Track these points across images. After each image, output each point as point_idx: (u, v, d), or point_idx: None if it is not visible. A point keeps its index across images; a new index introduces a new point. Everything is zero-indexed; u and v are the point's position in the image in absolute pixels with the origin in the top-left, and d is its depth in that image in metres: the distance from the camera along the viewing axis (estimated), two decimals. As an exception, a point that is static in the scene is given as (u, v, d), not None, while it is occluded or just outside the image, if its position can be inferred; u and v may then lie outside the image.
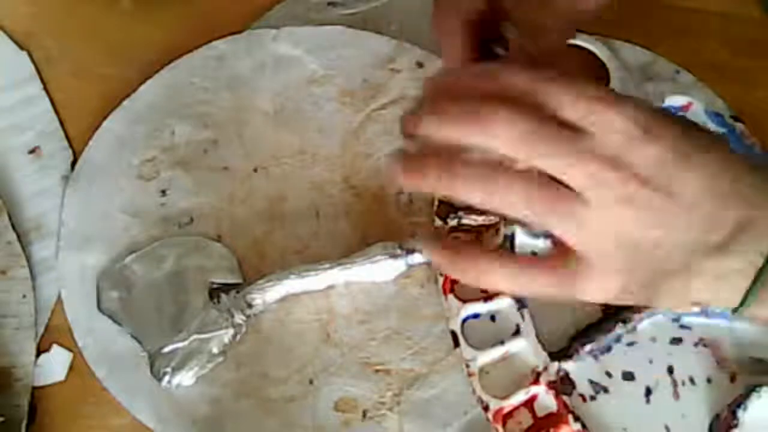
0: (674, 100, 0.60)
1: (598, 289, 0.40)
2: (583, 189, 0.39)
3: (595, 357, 0.53)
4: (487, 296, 0.54)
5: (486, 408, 0.51)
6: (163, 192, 0.60)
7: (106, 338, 0.55)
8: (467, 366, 0.53)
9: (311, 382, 0.54)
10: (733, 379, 0.53)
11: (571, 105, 0.38)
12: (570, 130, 0.39)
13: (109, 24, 0.67)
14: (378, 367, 0.54)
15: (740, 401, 0.51)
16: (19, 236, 0.58)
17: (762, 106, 0.62)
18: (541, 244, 0.56)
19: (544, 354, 0.52)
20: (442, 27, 0.50)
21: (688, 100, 0.60)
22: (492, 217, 0.56)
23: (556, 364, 0.52)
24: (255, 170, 0.61)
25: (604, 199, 0.39)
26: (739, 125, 0.61)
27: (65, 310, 0.57)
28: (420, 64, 0.64)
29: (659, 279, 0.40)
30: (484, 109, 0.39)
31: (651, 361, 0.53)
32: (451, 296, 0.54)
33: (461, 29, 0.49)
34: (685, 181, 0.39)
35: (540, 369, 0.52)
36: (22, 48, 0.65)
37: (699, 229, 0.39)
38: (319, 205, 0.60)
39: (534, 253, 0.56)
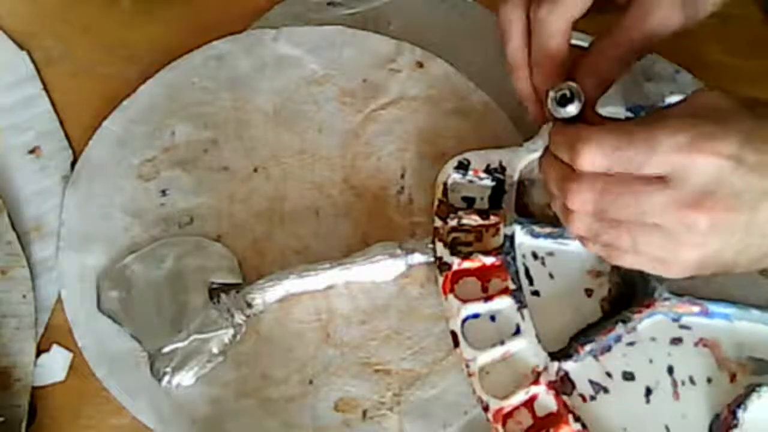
0: (674, 100, 0.60)
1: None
2: (674, 236, 0.45)
3: (595, 357, 0.53)
4: (487, 296, 0.54)
5: (486, 408, 0.51)
6: (163, 192, 0.60)
7: (106, 338, 0.55)
8: (467, 366, 0.53)
9: (311, 382, 0.54)
10: (733, 379, 0.53)
11: (649, 162, 0.44)
12: (654, 183, 0.44)
13: (109, 24, 0.67)
14: (378, 367, 0.54)
15: (740, 401, 0.51)
16: (19, 236, 0.58)
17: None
18: (542, 244, 0.56)
19: (544, 354, 0.52)
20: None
21: (688, 100, 0.60)
22: (492, 218, 0.56)
23: (556, 364, 0.52)
24: (255, 170, 0.61)
25: (694, 240, 0.45)
26: (739, 125, 0.61)
27: (65, 310, 0.57)
28: (420, 64, 0.64)
29: (756, 266, 0.47)
30: (566, 189, 0.47)
31: (651, 361, 0.53)
32: (451, 296, 0.54)
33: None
34: None
35: (540, 369, 0.52)
36: (22, 48, 0.65)
37: None
38: (319, 205, 0.60)
39: (534, 254, 0.56)
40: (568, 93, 0.47)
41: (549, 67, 0.51)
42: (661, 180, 0.44)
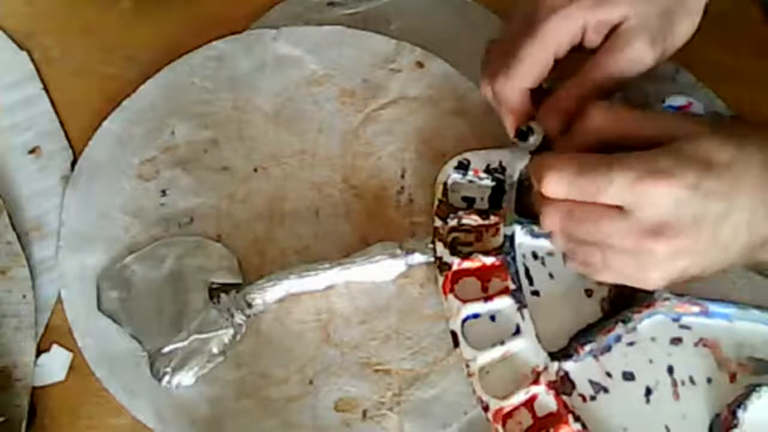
0: (674, 100, 0.60)
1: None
2: (638, 258, 0.47)
3: (595, 357, 0.53)
4: (487, 296, 0.54)
5: (486, 408, 0.51)
6: (163, 192, 0.60)
7: (106, 338, 0.55)
8: (467, 366, 0.53)
9: (311, 382, 0.54)
10: (733, 379, 0.53)
11: (605, 194, 0.46)
12: (613, 211, 0.46)
13: (109, 24, 0.67)
14: (378, 367, 0.54)
15: (740, 401, 0.51)
16: (19, 236, 0.58)
17: (762, 106, 0.62)
18: (542, 244, 0.56)
19: (544, 354, 0.52)
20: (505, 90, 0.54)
21: (688, 100, 0.60)
22: (492, 218, 0.56)
23: (556, 364, 0.52)
24: (255, 170, 0.61)
25: (657, 263, 0.47)
26: (739, 125, 0.61)
27: (65, 310, 0.57)
28: (420, 64, 0.64)
29: (719, 273, 0.49)
30: (540, 211, 0.50)
31: (651, 361, 0.53)
32: (451, 296, 0.54)
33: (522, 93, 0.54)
34: (727, 215, 0.46)
35: (540, 369, 0.52)
36: (22, 48, 0.65)
37: (740, 243, 0.47)
38: (319, 205, 0.60)
39: (534, 254, 0.56)
40: (525, 128, 0.53)
41: (511, 119, 0.55)
42: (619, 209, 0.46)
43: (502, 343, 0.53)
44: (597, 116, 0.50)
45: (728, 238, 0.47)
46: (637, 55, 0.52)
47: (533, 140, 0.53)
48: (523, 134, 0.53)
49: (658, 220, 0.46)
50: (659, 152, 0.46)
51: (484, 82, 0.55)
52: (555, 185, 0.48)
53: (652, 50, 0.52)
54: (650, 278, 0.48)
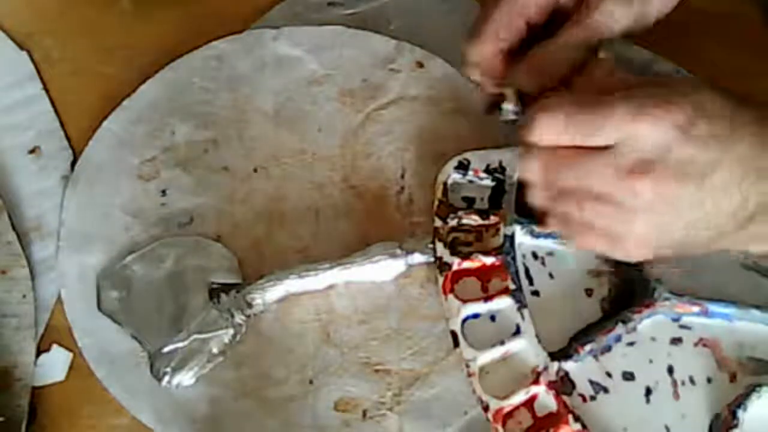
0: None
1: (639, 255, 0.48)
2: (620, 205, 0.45)
3: (595, 357, 0.53)
4: (487, 296, 0.54)
5: (486, 408, 0.51)
6: (163, 192, 0.60)
7: (106, 338, 0.55)
8: (467, 366, 0.53)
9: (311, 382, 0.54)
10: (733, 379, 0.53)
11: (602, 129, 0.45)
12: (599, 151, 0.45)
13: (109, 24, 0.67)
14: (378, 367, 0.54)
15: (740, 401, 0.51)
16: (19, 236, 0.58)
17: (762, 106, 0.61)
18: (542, 244, 0.56)
19: (544, 354, 0.52)
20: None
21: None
22: (492, 218, 0.56)
23: (556, 364, 0.52)
24: (255, 170, 0.61)
25: (640, 212, 0.45)
26: (739, 125, 0.61)
27: (65, 310, 0.57)
28: (420, 64, 0.64)
29: (707, 246, 0.47)
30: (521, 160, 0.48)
31: (651, 361, 0.53)
32: (451, 296, 0.54)
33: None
34: (718, 165, 0.44)
35: (540, 369, 0.52)
36: (22, 48, 0.65)
37: (731, 204, 0.45)
38: (319, 205, 0.60)
39: (534, 254, 0.56)
40: (494, 99, 0.52)
41: (487, 85, 0.54)
42: (605, 149, 0.45)
43: (502, 343, 0.53)
44: (601, 69, 0.49)
45: (719, 192, 0.44)
46: (607, 14, 0.51)
47: (509, 107, 0.51)
48: (492, 108, 0.52)
49: (644, 156, 0.44)
50: (655, 85, 0.46)
51: (465, 56, 0.54)
52: (549, 122, 0.46)
53: (626, 8, 0.51)
54: (634, 233, 0.46)
